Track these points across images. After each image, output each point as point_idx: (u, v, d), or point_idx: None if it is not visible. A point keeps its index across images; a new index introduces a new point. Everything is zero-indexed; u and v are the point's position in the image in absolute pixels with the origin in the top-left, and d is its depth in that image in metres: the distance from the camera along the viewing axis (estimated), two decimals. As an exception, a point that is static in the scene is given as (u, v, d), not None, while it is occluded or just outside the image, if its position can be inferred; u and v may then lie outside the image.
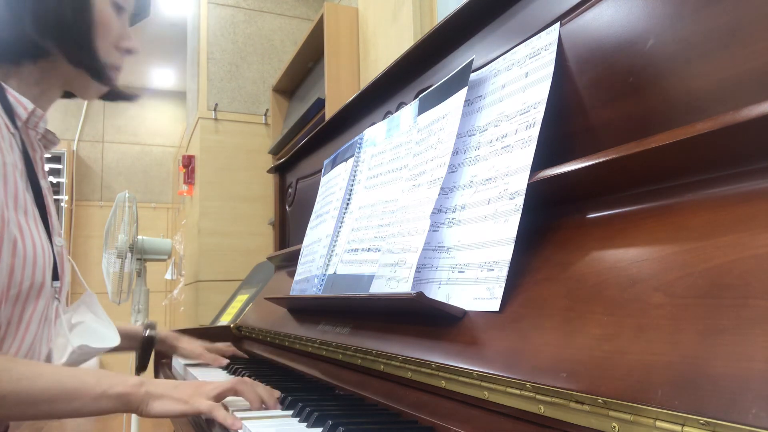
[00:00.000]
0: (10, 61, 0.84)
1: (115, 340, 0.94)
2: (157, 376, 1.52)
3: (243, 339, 1.61)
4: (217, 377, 1.09)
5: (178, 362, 1.37)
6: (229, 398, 0.81)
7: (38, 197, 0.83)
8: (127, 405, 0.72)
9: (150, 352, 1.27)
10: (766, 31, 0.48)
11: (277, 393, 0.80)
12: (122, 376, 0.73)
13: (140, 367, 1.30)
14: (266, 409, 0.76)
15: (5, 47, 0.82)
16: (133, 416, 2.68)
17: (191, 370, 1.20)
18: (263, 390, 0.78)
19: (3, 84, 0.81)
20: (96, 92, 0.93)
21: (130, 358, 2.45)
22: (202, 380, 0.79)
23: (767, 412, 0.33)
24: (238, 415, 0.71)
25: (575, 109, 0.67)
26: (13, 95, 0.81)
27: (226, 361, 1.26)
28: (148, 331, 1.25)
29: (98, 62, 0.88)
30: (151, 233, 3.53)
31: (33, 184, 0.82)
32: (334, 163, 1.27)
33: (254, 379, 0.96)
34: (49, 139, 0.90)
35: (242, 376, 1.06)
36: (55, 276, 0.84)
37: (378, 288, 0.83)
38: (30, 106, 0.82)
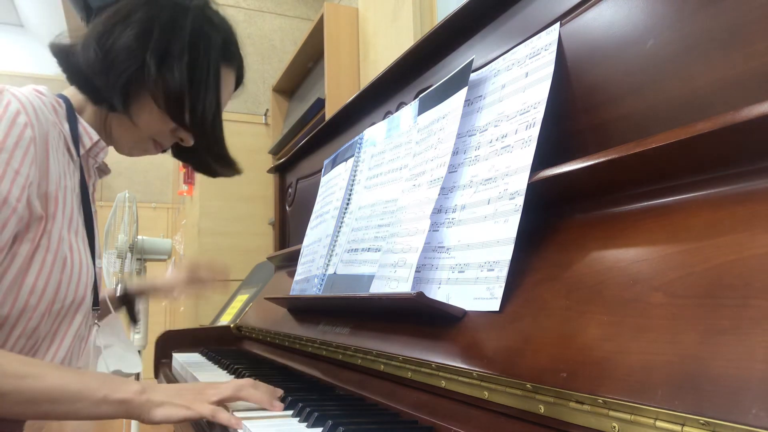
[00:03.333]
0: (94, 100, 0.86)
1: (139, 366, 0.99)
2: (156, 376, 1.53)
3: (243, 339, 1.61)
4: (218, 378, 1.09)
5: (177, 362, 1.37)
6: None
7: (88, 221, 0.87)
8: (128, 411, 0.72)
9: (132, 306, 1.29)
10: (766, 31, 0.48)
11: (279, 391, 0.80)
12: (125, 382, 0.73)
13: (133, 321, 1.31)
14: (272, 407, 0.76)
15: (104, 89, 0.83)
16: (133, 416, 2.68)
17: (191, 369, 1.20)
18: (266, 389, 0.78)
19: (77, 114, 0.86)
20: (128, 155, 0.94)
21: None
22: (204, 382, 0.79)
23: (767, 412, 0.33)
24: (239, 415, 0.71)
25: (575, 109, 0.67)
26: (83, 125, 0.85)
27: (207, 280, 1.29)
28: (119, 289, 1.27)
29: (225, 151, 0.92)
30: (151, 233, 3.53)
31: (85, 208, 0.87)
32: (334, 163, 1.27)
33: (254, 380, 0.96)
34: (102, 170, 0.95)
35: (242, 375, 1.05)
36: (95, 299, 0.87)
37: (378, 288, 0.83)
38: (95, 137, 0.86)
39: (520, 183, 0.64)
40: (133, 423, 2.57)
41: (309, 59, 3.17)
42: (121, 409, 0.71)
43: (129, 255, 2.98)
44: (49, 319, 0.79)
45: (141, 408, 0.71)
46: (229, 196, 3.47)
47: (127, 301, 1.28)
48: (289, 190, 1.82)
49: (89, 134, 0.86)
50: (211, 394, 0.74)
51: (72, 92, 0.88)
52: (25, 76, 5.65)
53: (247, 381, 0.79)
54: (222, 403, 0.75)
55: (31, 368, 0.68)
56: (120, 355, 0.95)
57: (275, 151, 3.47)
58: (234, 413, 0.71)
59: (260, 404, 0.76)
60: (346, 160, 1.19)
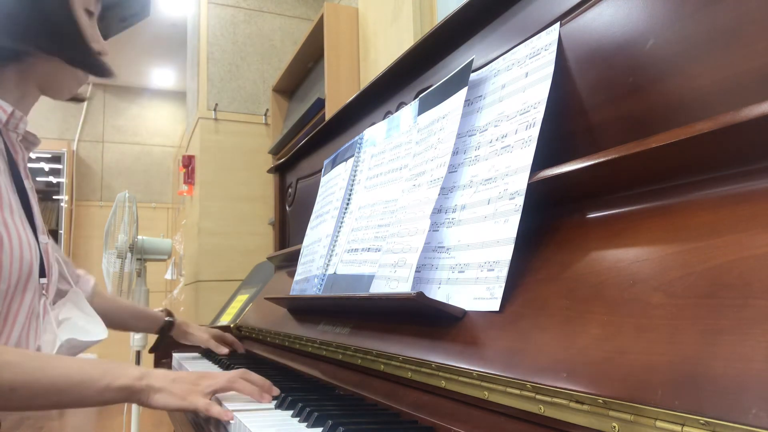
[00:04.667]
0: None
1: (102, 334, 0.98)
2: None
3: (243, 339, 1.61)
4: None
5: (177, 361, 1.37)
6: (228, 393, 0.82)
7: (23, 197, 0.85)
8: (129, 396, 0.76)
9: (166, 336, 1.40)
10: (766, 31, 0.48)
11: (269, 384, 0.82)
12: (125, 368, 0.77)
13: (155, 348, 1.42)
14: (261, 399, 0.79)
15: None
16: (133, 416, 2.68)
17: (185, 363, 1.20)
18: (258, 380, 0.81)
19: None
20: (69, 92, 0.94)
21: (131, 353, 2.46)
22: (200, 372, 0.81)
23: (767, 412, 0.33)
24: (231, 408, 0.73)
25: (575, 109, 0.67)
26: None
27: (226, 350, 1.39)
28: (167, 317, 1.40)
29: (94, 57, 0.90)
30: (151, 233, 3.53)
31: (17, 185, 0.84)
32: (334, 163, 1.27)
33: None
34: (30, 141, 0.92)
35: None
36: (42, 273, 0.86)
37: (378, 288, 0.83)
38: (9, 108, 0.84)
39: (520, 183, 0.64)
40: (133, 422, 2.58)
41: (309, 59, 3.17)
42: (123, 395, 0.75)
43: (129, 255, 2.98)
44: None
45: (141, 393, 0.76)
46: (229, 196, 3.47)
47: (165, 329, 1.40)
48: (289, 190, 1.82)
49: (2, 107, 0.83)
50: (206, 386, 0.77)
51: None
52: (25, 76, 5.64)
53: (240, 372, 0.81)
54: (216, 394, 0.78)
55: (37, 362, 0.72)
56: (78, 326, 0.94)
57: (275, 151, 3.47)
58: (233, 411, 0.72)
59: (251, 396, 0.79)
60: (346, 160, 1.19)
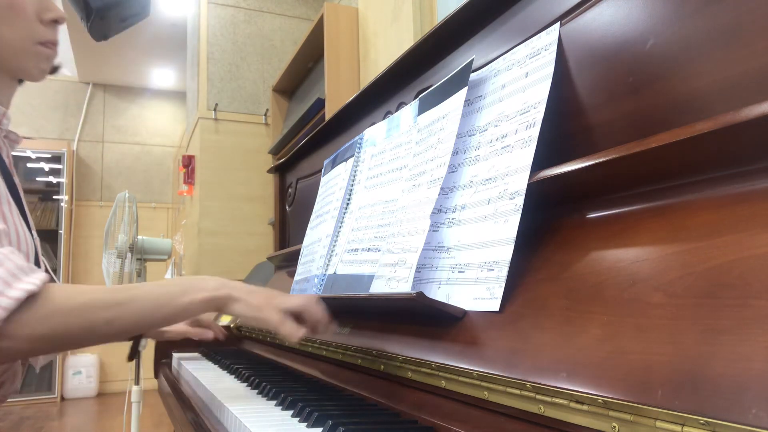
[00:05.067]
0: None
1: None
2: (156, 376, 1.53)
3: (243, 339, 1.61)
4: (220, 378, 1.09)
5: (177, 361, 1.37)
6: (228, 393, 0.82)
7: (13, 192, 0.86)
8: (211, 306, 0.80)
9: (138, 342, 1.36)
10: (766, 31, 0.48)
11: (328, 318, 0.85)
12: (203, 281, 0.80)
13: (132, 356, 1.36)
14: (325, 330, 0.83)
15: None
16: (133, 416, 2.67)
17: (191, 369, 1.20)
18: (324, 311, 0.83)
19: None
20: (37, 69, 0.92)
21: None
22: (274, 291, 0.84)
23: (767, 412, 0.33)
24: (231, 408, 0.73)
25: (575, 109, 0.67)
26: None
27: (211, 334, 1.29)
28: None
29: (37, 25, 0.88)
30: (151, 233, 3.53)
31: (7, 181, 0.85)
32: (334, 163, 1.27)
33: (254, 380, 0.96)
34: (12, 139, 0.92)
35: (242, 375, 1.06)
36: (37, 264, 0.87)
37: (378, 288, 0.83)
38: None
39: (520, 183, 0.64)
40: (133, 422, 2.57)
41: (309, 59, 3.17)
42: (205, 306, 0.80)
43: (129, 255, 2.98)
44: None
45: (222, 301, 0.79)
46: (229, 196, 3.47)
47: (135, 338, 1.32)
48: (289, 190, 1.82)
49: None
50: (280, 302, 0.80)
51: None
52: (25, 76, 5.64)
53: (314, 297, 0.84)
54: (289, 312, 0.80)
55: (123, 294, 0.76)
56: None
57: (275, 151, 3.47)
58: (231, 409, 0.72)
59: (318, 322, 0.82)
60: (346, 160, 1.19)
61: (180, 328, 1.31)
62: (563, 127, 0.68)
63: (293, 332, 0.76)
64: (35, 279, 0.69)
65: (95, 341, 0.76)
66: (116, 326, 0.75)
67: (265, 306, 0.79)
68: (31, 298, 0.68)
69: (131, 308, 0.75)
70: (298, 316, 0.81)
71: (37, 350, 0.75)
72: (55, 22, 0.90)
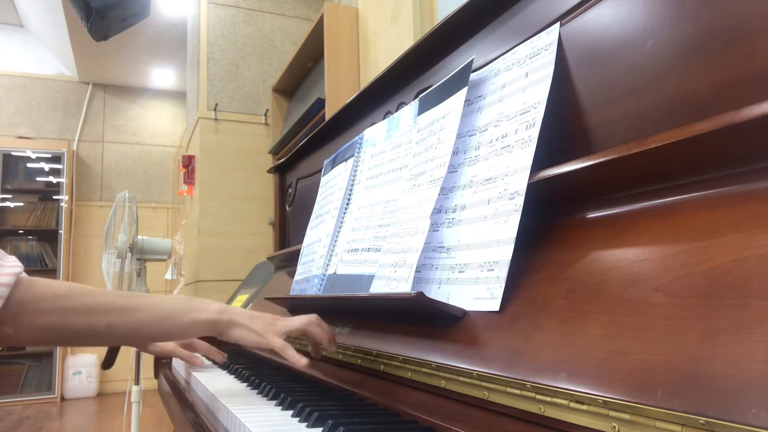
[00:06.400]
0: None
1: (12, 268, 0.96)
2: (156, 376, 1.53)
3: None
4: (219, 377, 1.09)
5: (178, 362, 1.37)
6: (228, 393, 0.82)
7: None
8: (212, 329, 0.81)
9: (116, 351, 1.33)
10: (766, 31, 0.48)
11: (333, 334, 0.86)
12: (207, 303, 0.82)
13: (106, 365, 1.34)
14: (330, 348, 0.84)
15: None
16: (133, 416, 2.68)
17: (191, 369, 1.20)
18: (327, 328, 0.84)
19: None
20: None
21: (131, 358, 2.46)
22: (274, 316, 0.85)
23: (767, 412, 0.33)
24: (231, 408, 0.73)
25: (575, 109, 0.67)
26: None
27: (202, 360, 1.21)
28: None
29: None
30: (151, 233, 3.53)
31: None
32: (334, 163, 1.27)
33: (254, 380, 0.96)
34: None
35: (243, 375, 1.06)
36: None
37: (378, 288, 0.83)
38: None
39: (520, 183, 0.64)
40: (133, 422, 2.58)
41: (309, 59, 3.17)
42: (206, 328, 0.81)
43: (129, 255, 2.98)
44: None
45: (222, 326, 0.81)
46: (229, 196, 3.47)
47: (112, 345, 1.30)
48: (289, 190, 1.82)
49: None
50: (281, 326, 0.82)
51: None
52: (25, 76, 5.65)
53: (315, 317, 0.84)
54: (290, 335, 0.82)
55: (128, 301, 0.77)
56: None
57: (275, 151, 3.47)
58: (231, 409, 0.72)
59: (322, 341, 0.83)
60: (346, 160, 1.19)
61: (168, 346, 1.23)
62: (563, 127, 0.68)
63: (298, 359, 0.77)
64: (13, 264, 0.71)
65: (91, 342, 0.77)
66: (115, 331, 0.75)
67: (267, 331, 0.80)
68: (24, 288, 0.70)
69: (133, 316, 0.76)
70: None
71: (35, 341, 0.76)
72: None
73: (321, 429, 0.62)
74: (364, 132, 1.13)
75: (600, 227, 0.57)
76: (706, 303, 0.41)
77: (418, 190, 0.82)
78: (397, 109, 1.10)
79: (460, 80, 0.81)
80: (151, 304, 0.79)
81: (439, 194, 0.76)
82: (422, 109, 0.91)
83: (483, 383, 0.56)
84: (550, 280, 0.58)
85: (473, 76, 0.80)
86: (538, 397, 0.49)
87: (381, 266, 0.84)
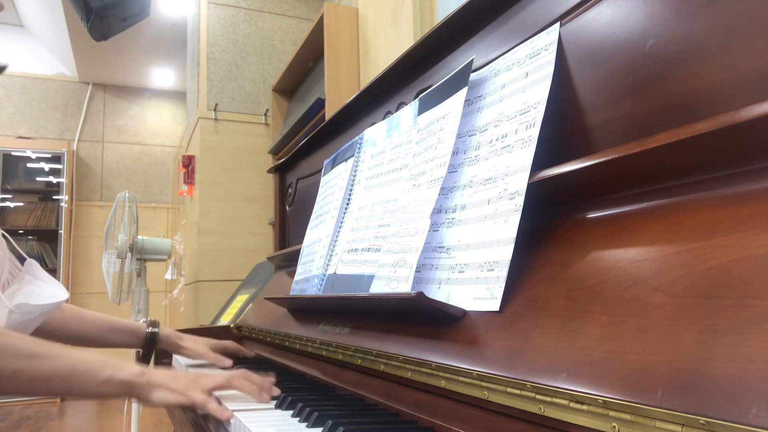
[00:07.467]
0: None
1: (60, 296, 0.94)
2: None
3: (243, 339, 1.61)
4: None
5: (178, 362, 1.37)
6: (228, 393, 0.82)
7: None
8: (129, 391, 0.77)
9: (152, 350, 1.26)
10: (766, 31, 0.48)
11: (270, 381, 0.82)
12: (127, 364, 0.78)
13: (145, 360, 1.31)
14: (260, 399, 0.79)
15: None
16: (133, 416, 2.68)
17: (191, 369, 1.20)
18: (258, 380, 0.81)
19: None
20: None
21: (131, 358, 2.45)
22: (199, 372, 0.82)
23: (767, 412, 0.33)
24: (231, 407, 0.73)
25: (575, 109, 0.67)
26: None
27: (230, 362, 1.20)
28: (150, 328, 1.23)
29: None
30: (151, 233, 3.53)
31: None
32: (334, 163, 1.27)
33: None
34: None
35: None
36: None
37: (378, 288, 0.83)
38: None
39: (520, 183, 0.64)
40: (133, 421, 2.57)
41: (309, 59, 3.17)
42: (123, 389, 0.77)
43: (129, 255, 2.98)
44: None
45: (141, 389, 0.77)
46: (229, 196, 3.47)
47: (149, 343, 1.24)
48: (289, 190, 1.82)
49: None
50: (205, 383, 0.78)
51: None
52: (25, 76, 5.65)
53: (240, 372, 0.81)
54: (214, 391, 0.78)
55: (41, 348, 0.73)
56: (28, 290, 0.91)
57: (275, 151, 3.47)
58: (234, 411, 0.72)
59: (250, 394, 0.79)
60: (346, 160, 1.19)
61: (201, 350, 1.22)
62: (563, 127, 0.68)
63: (221, 412, 0.72)
64: None
65: None
66: (22, 379, 0.71)
67: (188, 389, 0.76)
68: None
69: (45, 365, 0.72)
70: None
71: None
72: None
73: (321, 429, 0.62)
74: (364, 132, 1.13)
75: (600, 227, 0.57)
76: (706, 303, 0.41)
77: (418, 190, 0.82)
78: (397, 109, 1.10)
79: (460, 80, 0.81)
80: (67, 356, 0.74)
81: (439, 194, 0.76)
82: (422, 109, 0.91)
83: (483, 383, 0.56)
84: (550, 280, 0.58)
85: (473, 76, 0.80)
86: (538, 397, 0.49)
87: (381, 266, 0.84)
